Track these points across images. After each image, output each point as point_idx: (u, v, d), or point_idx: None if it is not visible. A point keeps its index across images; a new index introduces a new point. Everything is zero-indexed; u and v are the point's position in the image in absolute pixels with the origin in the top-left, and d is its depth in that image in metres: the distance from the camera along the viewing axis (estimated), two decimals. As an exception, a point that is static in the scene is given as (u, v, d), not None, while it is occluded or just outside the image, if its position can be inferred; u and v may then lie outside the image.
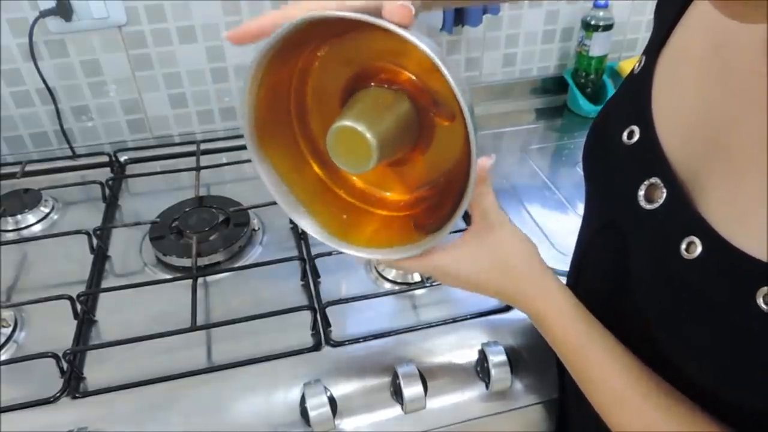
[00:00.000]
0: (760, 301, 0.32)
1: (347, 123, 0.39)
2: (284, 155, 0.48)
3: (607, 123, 0.48)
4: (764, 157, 0.33)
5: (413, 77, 0.43)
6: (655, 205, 0.39)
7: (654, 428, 0.41)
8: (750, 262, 0.33)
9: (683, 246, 0.36)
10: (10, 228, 0.83)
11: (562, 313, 0.46)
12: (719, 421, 0.40)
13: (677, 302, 0.38)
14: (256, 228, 0.83)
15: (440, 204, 0.47)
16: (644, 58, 0.45)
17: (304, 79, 0.47)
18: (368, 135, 0.38)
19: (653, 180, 0.40)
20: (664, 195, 0.39)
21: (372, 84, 0.43)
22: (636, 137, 0.42)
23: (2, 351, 0.66)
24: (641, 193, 0.41)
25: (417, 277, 0.74)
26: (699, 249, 0.36)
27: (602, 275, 0.49)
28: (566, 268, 0.60)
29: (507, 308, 0.70)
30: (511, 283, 0.47)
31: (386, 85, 0.43)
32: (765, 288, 0.32)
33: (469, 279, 0.47)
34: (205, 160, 0.93)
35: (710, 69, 0.39)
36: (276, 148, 0.47)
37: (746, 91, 0.36)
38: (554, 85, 1.17)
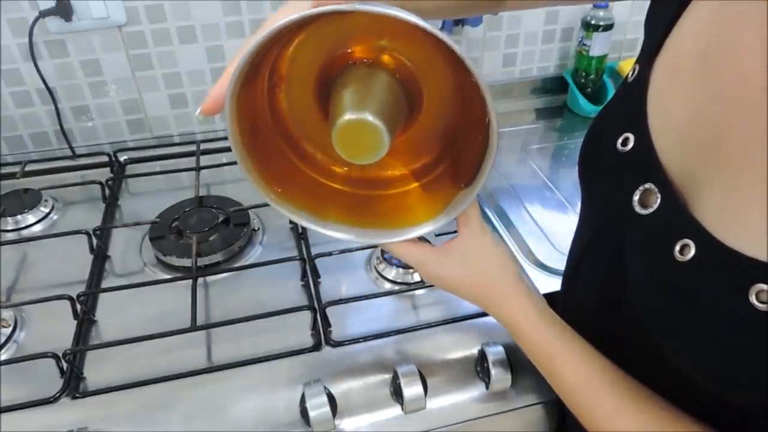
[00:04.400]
0: (753, 299, 0.32)
1: (350, 117, 0.37)
2: (289, 182, 0.48)
3: (602, 130, 0.48)
4: (757, 158, 0.34)
5: (382, 49, 0.42)
6: (650, 210, 0.40)
7: (631, 429, 0.42)
8: (743, 261, 0.33)
9: (677, 249, 0.37)
10: (10, 228, 0.83)
11: (535, 324, 0.49)
12: (699, 420, 0.40)
13: (672, 304, 0.38)
14: (256, 228, 0.83)
15: (454, 165, 0.48)
16: (637, 66, 0.45)
17: (274, 94, 0.46)
18: (375, 121, 0.37)
19: (647, 185, 0.40)
20: (659, 200, 0.39)
21: (342, 70, 0.42)
22: (630, 144, 0.43)
23: (2, 351, 0.66)
24: (636, 198, 0.41)
25: (417, 277, 0.74)
26: (693, 251, 0.36)
27: (598, 279, 0.49)
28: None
29: (507, 308, 0.70)
30: (489, 293, 0.51)
31: (357, 65, 0.42)
32: (758, 285, 0.32)
33: (450, 282, 0.51)
34: (205, 160, 0.93)
35: (702, 74, 0.39)
36: (278, 176, 0.47)
37: (737, 94, 0.36)
38: (554, 85, 1.17)
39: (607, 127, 0.47)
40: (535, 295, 0.51)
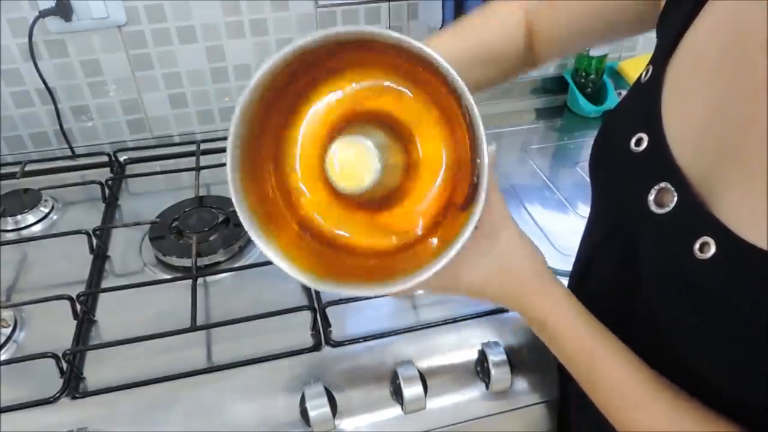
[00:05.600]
0: None
1: (343, 139, 0.38)
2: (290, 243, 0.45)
3: (614, 131, 0.48)
4: None
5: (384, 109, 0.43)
6: (666, 209, 0.40)
7: (664, 428, 0.41)
8: (765, 257, 0.33)
9: (696, 246, 0.36)
10: (10, 228, 0.83)
11: (570, 321, 0.46)
12: (731, 420, 0.40)
13: (690, 303, 0.38)
14: (256, 228, 0.83)
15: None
16: (651, 67, 0.45)
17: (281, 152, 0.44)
18: (366, 141, 0.38)
19: (663, 185, 0.40)
20: (675, 198, 0.39)
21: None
22: (644, 144, 0.42)
23: (2, 351, 0.66)
24: (651, 197, 0.41)
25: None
26: (713, 249, 0.36)
27: (609, 280, 0.49)
28: (567, 267, 0.60)
29: (507, 308, 0.70)
30: (518, 290, 0.46)
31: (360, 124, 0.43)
32: None
33: (472, 285, 0.45)
34: (205, 160, 0.93)
35: (719, 74, 0.39)
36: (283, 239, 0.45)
37: (755, 93, 0.36)
38: (554, 85, 1.17)
39: (619, 128, 0.47)
40: (568, 291, 0.47)
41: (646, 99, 0.44)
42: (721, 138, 0.38)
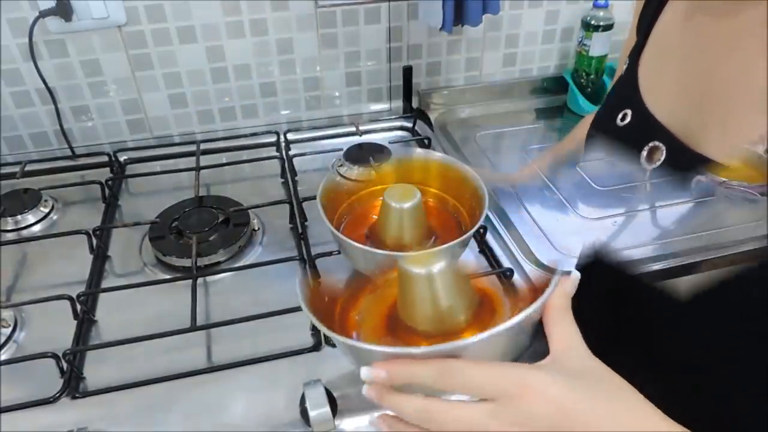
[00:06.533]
0: None
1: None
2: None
3: (602, 117, 0.53)
4: (750, 89, 0.38)
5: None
6: (658, 163, 0.43)
7: None
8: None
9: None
10: (10, 228, 0.83)
11: None
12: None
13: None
14: (256, 228, 0.83)
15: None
16: (628, 61, 0.50)
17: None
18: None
19: (652, 144, 0.44)
20: (664, 152, 0.43)
21: None
22: (629, 118, 0.47)
23: (2, 351, 0.66)
24: (643, 158, 0.45)
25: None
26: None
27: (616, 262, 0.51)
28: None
29: (507, 308, 0.70)
30: (616, 411, 0.35)
31: None
32: None
33: (567, 397, 0.35)
34: (205, 160, 0.93)
35: (684, 41, 0.44)
36: None
37: (717, 36, 0.41)
38: (554, 85, 1.17)
39: (606, 113, 0.52)
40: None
41: (625, 85, 0.49)
42: (693, 88, 0.42)
